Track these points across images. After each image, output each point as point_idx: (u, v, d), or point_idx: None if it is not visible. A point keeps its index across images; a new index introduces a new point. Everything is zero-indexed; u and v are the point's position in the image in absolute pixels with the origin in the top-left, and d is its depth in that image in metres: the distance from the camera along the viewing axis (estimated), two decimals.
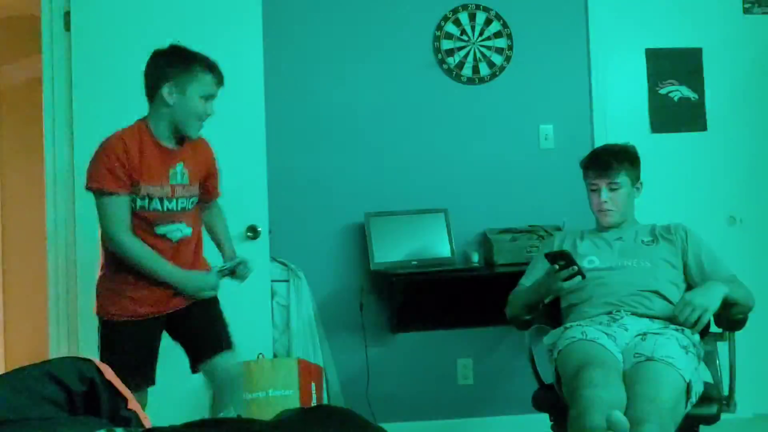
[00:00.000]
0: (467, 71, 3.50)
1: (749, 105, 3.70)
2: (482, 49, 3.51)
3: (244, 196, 3.06)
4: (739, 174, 3.66)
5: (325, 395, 3.07)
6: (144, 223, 2.25)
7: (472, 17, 3.51)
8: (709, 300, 2.23)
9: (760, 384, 3.48)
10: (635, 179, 2.57)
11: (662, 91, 3.66)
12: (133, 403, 1.16)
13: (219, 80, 2.29)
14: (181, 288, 2.29)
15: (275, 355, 3.11)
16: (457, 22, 3.50)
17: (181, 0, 3.13)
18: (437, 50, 3.49)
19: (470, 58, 3.50)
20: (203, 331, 2.41)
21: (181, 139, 2.32)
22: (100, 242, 2.32)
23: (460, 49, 3.50)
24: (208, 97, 2.27)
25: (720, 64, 3.67)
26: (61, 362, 1.14)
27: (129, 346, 2.27)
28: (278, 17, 3.32)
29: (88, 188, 2.21)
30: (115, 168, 2.16)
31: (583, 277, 2.31)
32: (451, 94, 3.50)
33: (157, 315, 2.31)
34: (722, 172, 3.65)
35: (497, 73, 3.51)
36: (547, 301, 2.47)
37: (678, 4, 3.68)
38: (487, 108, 3.51)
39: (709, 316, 2.24)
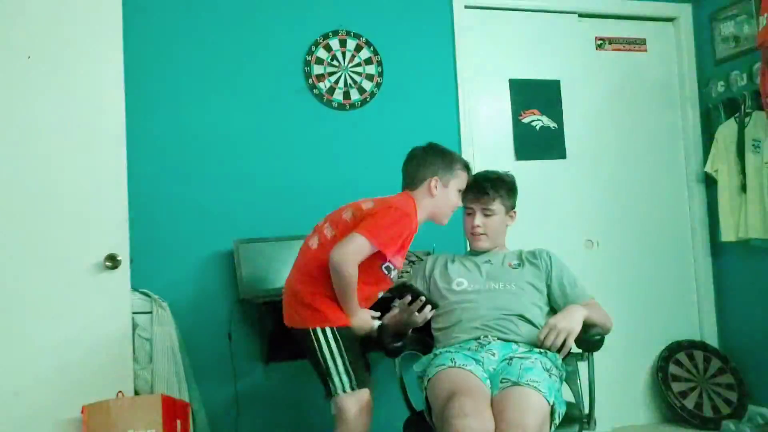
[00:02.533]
0: (338, 97, 3.49)
1: (603, 134, 3.94)
2: (353, 75, 3.52)
3: (102, 222, 2.88)
4: (596, 199, 3.88)
5: None
6: (377, 278, 2.44)
7: (343, 43, 3.52)
8: (572, 323, 2.32)
9: (618, 398, 3.67)
10: (509, 207, 2.65)
11: (525, 120, 3.82)
12: None
13: (471, 176, 2.64)
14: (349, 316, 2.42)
15: (137, 392, 2.92)
16: (328, 48, 3.50)
17: (31, 13, 2.93)
18: (308, 75, 3.46)
19: (341, 83, 3.50)
20: None
21: None
22: (312, 262, 2.47)
23: (330, 74, 3.49)
24: (461, 191, 2.60)
25: (576, 95, 3.89)
26: None
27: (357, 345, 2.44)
28: (140, 39, 3.17)
29: (371, 241, 2.34)
30: (398, 240, 2.40)
31: (434, 306, 2.35)
32: (322, 120, 3.48)
33: None
34: (580, 197, 3.85)
35: (368, 99, 3.53)
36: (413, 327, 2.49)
37: (538, 38, 3.87)
38: (358, 134, 3.52)
39: (572, 340, 2.32)
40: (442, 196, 2.55)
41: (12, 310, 2.78)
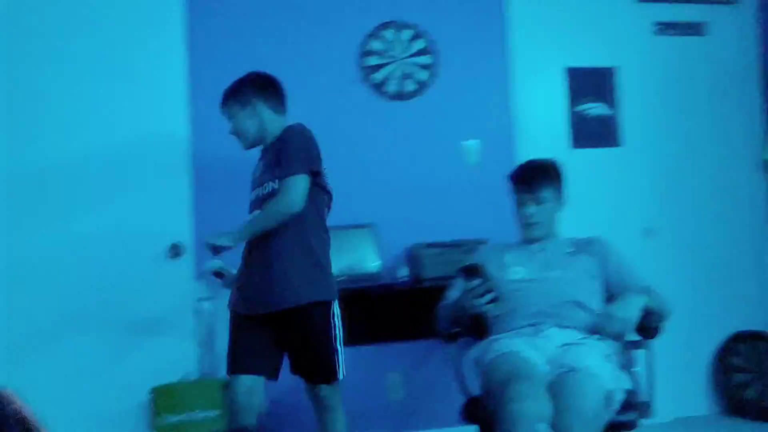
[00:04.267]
0: (392, 87, 3.53)
1: (660, 122, 3.88)
2: (407, 65, 3.55)
3: (166, 213, 2.99)
4: (653, 187, 3.82)
5: None
6: None
7: (398, 34, 3.55)
8: (630, 311, 2.31)
9: (678, 389, 3.62)
10: (559, 194, 2.64)
11: (580, 108, 3.79)
12: None
13: (222, 105, 2.61)
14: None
15: (201, 375, 3.03)
16: (383, 39, 3.53)
17: (104, 9, 3.05)
18: (363, 66, 3.50)
19: (395, 74, 3.53)
20: (298, 354, 2.48)
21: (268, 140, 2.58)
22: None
23: (385, 65, 3.53)
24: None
25: (633, 82, 3.83)
26: None
27: (232, 335, 2.47)
28: (203, 29, 3.27)
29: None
30: None
31: (497, 297, 2.35)
32: (376, 110, 3.52)
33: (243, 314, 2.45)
34: (637, 186, 3.79)
35: (422, 90, 3.56)
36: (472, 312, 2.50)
37: (594, 25, 3.82)
38: (412, 124, 3.55)
39: (631, 327, 2.31)
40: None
41: (84, 297, 2.91)
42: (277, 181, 2.41)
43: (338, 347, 2.45)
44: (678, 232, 3.85)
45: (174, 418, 2.78)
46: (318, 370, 2.45)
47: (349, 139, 3.48)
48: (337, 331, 2.45)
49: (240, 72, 3.37)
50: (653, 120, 3.86)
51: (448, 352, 2.60)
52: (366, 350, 3.38)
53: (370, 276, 3.28)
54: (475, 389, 2.43)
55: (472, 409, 2.42)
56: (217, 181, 3.26)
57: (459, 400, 2.51)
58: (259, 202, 2.47)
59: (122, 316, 2.99)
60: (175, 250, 3.00)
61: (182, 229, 3.04)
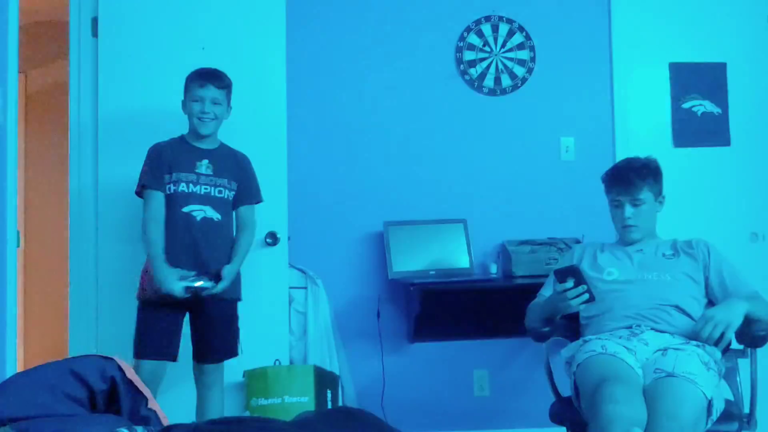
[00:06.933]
0: (489, 82, 3.50)
1: None
2: (504, 60, 3.51)
3: (264, 202, 3.08)
4: (763, 190, 3.63)
5: (340, 403, 3.07)
6: (172, 202, 2.65)
7: (495, 29, 3.52)
8: (731, 316, 2.21)
9: None
10: (658, 193, 2.54)
11: (685, 106, 3.64)
12: (152, 403, 1.17)
13: (203, 83, 2.67)
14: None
15: (291, 362, 3.12)
16: (480, 34, 3.51)
17: (206, 8, 3.17)
18: (459, 61, 3.49)
19: (492, 69, 3.51)
20: (206, 334, 2.69)
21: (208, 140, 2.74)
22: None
23: (482, 60, 3.50)
24: (199, 100, 2.67)
25: (744, 78, 3.65)
26: (84, 360, 1.15)
27: (153, 323, 2.62)
28: (301, 26, 3.35)
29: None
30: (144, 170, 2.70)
31: (592, 298, 2.30)
32: (472, 105, 3.50)
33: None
34: (745, 187, 3.61)
35: (519, 85, 3.51)
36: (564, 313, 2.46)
37: (702, 19, 3.66)
38: (508, 119, 3.51)
39: (731, 333, 2.21)
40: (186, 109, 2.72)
41: None
42: (233, 193, 2.72)
43: None
44: None
45: (266, 402, 2.86)
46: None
47: (444, 133, 3.48)
48: None
49: (338, 67, 3.45)
50: (765, 118, 3.66)
51: (537, 350, 2.57)
52: (454, 346, 3.39)
53: (461, 272, 3.28)
54: (565, 390, 2.39)
55: (561, 410, 2.38)
56: (310, 174, 3.34)
57: (545, 400, 2.48)
58: (207, 200, 2.66)
59: None
60: (272, 239, 3.08)
61: (279, 219, 3.12)
